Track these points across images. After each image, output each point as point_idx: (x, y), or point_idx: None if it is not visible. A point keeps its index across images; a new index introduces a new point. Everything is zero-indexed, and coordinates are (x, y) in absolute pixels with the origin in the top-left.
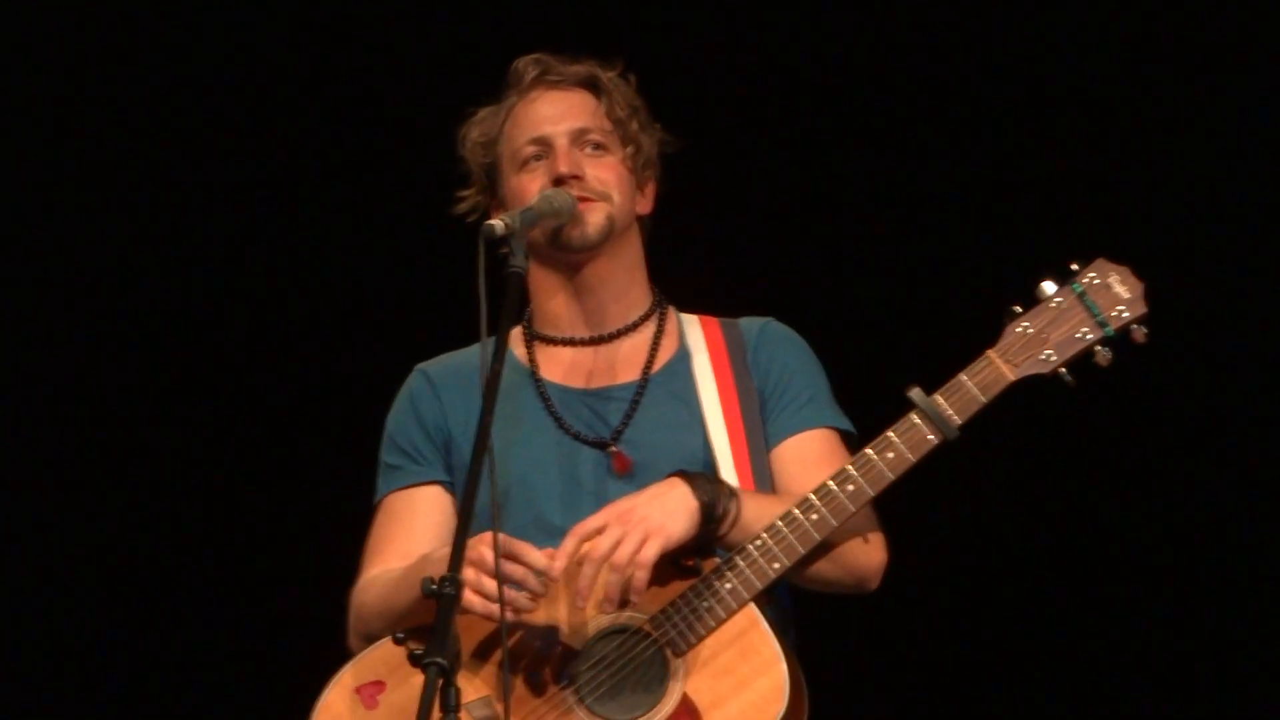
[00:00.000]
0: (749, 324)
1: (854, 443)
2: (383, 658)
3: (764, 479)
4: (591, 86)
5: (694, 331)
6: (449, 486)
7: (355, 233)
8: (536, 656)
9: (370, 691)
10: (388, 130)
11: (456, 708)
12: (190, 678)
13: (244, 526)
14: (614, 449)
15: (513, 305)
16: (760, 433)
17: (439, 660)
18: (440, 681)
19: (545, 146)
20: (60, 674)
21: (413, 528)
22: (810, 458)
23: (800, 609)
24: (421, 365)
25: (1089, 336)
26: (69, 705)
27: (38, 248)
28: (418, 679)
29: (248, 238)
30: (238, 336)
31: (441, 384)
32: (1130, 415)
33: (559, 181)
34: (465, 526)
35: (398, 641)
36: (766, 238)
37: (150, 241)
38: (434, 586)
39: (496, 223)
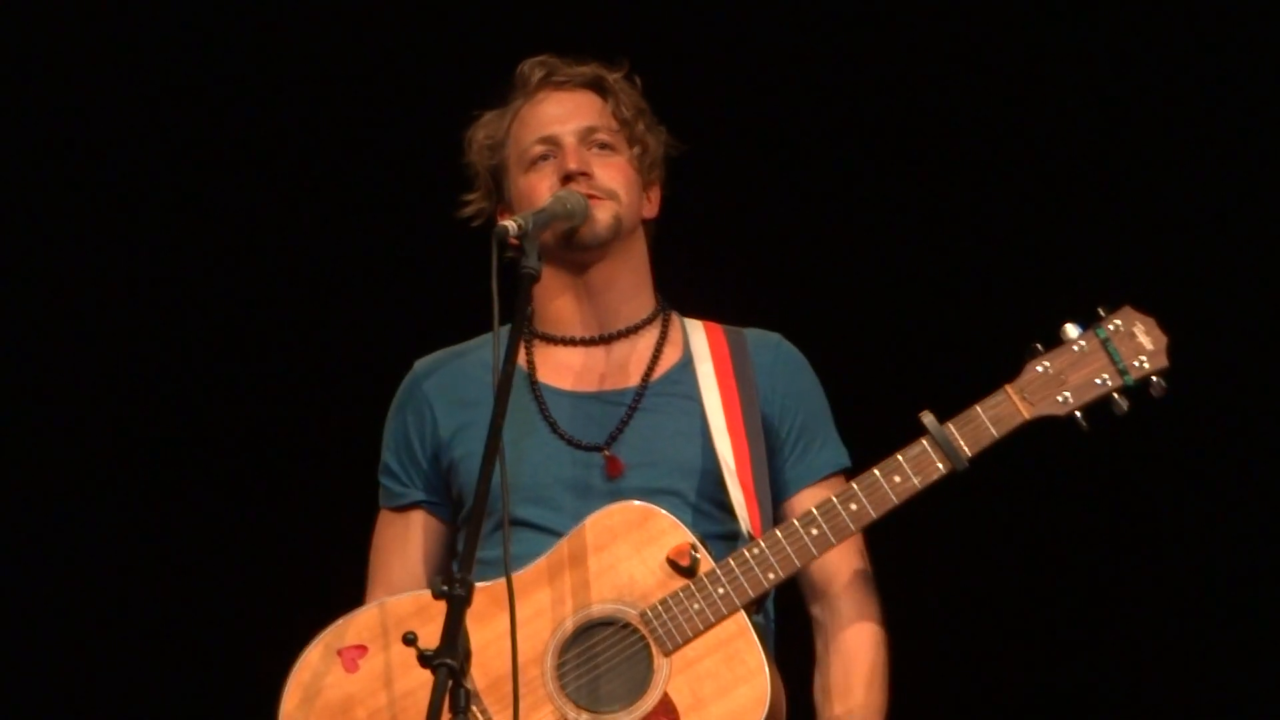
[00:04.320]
0: (758, 339)
1: (851, 475)
2: (368, 623)
3: (765, 490)
4: (597, 87)
5: (698, 339)
6: (431, 507)
7: (364, 234)
8: (521, 642)
9: (352, 654)
10: (396, 132)
11: (466, 709)
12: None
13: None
14: (608, 453)
15: (524, 307)
16: (761, 443)
17: (449, 661)
18: (450, 683)
19: (553, 146)
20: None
21: (404, 557)
22: None
23: (784, 619)
24: (419, 363)
25: (1108, 384)
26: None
27: (27, 248)
28: (401, 648)
29: (254, 239)
30: (238, 340)
31: (435, 386)
32: (1136, 457)
33: (568, 179)
34: (476, 531)
35: (407, 642)
36: (797, 252)
37: (152, 246)
38: (444, 588)
39: (510, 224)
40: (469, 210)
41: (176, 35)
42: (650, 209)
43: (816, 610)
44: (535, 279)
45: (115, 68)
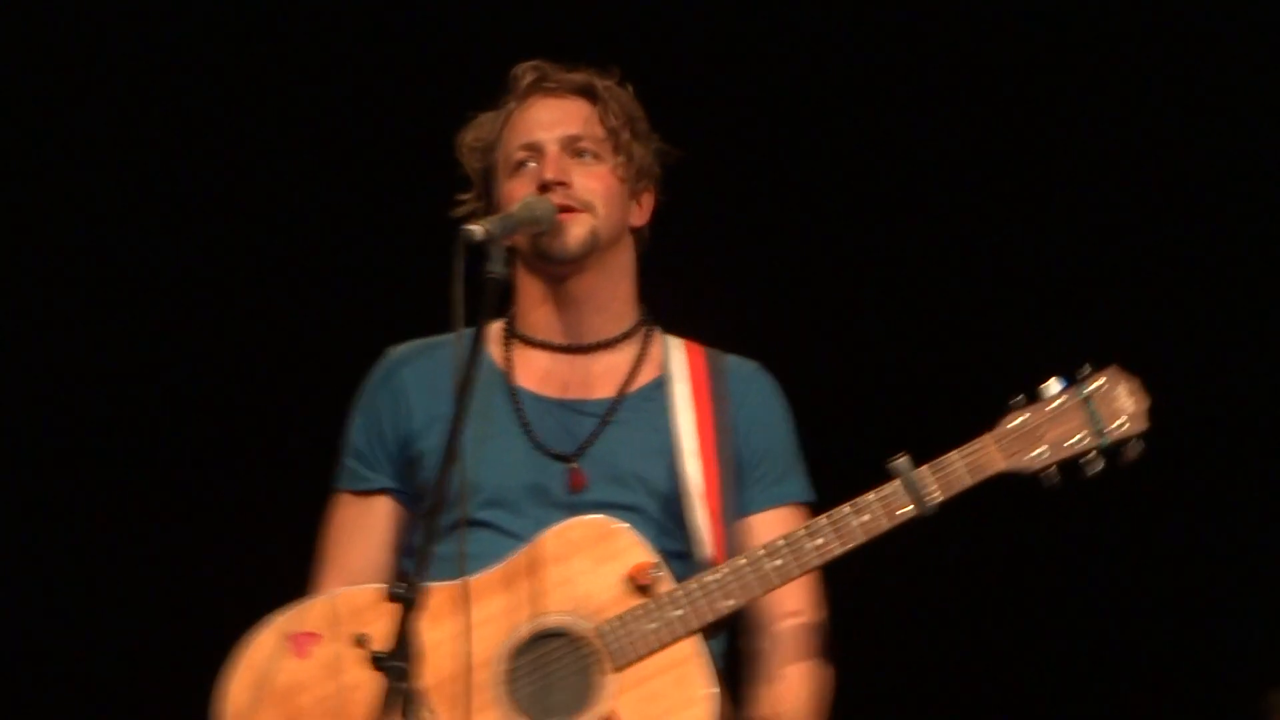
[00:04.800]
0: (738, 365)
1: (814, 512)
2: (323, 612)
3: (731, 517)
4: (588, 94)
5: (678, 356)
6: (398, 495)
7: (342, 231)
8: (475, 642)
9: (304, 641)
10: (380, 130)
11: (416, 710)
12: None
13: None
14: (573, 465)
15: (488, 312)
16: (733, 470)
17: (400, 664)
18: (403, 685)
19: (535, 152)
20: None
21: (365, 544)
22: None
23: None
24: (393, 350)
25: (1084, 443)
26: None
27: None
28: (353, 643)
29: (227, 235)
30: (214, 338)
31: (409, 374)
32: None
33: (544, 187)
34: (433, 528)
35: (359, 643)
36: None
37: (121, 241)
38: (398, 590)
39: (475, 228)
40: (463, 210)
41: (140, 31)
42: (640, 217)
43: (759, 641)
44: (499, 283)
45: (76, 60)
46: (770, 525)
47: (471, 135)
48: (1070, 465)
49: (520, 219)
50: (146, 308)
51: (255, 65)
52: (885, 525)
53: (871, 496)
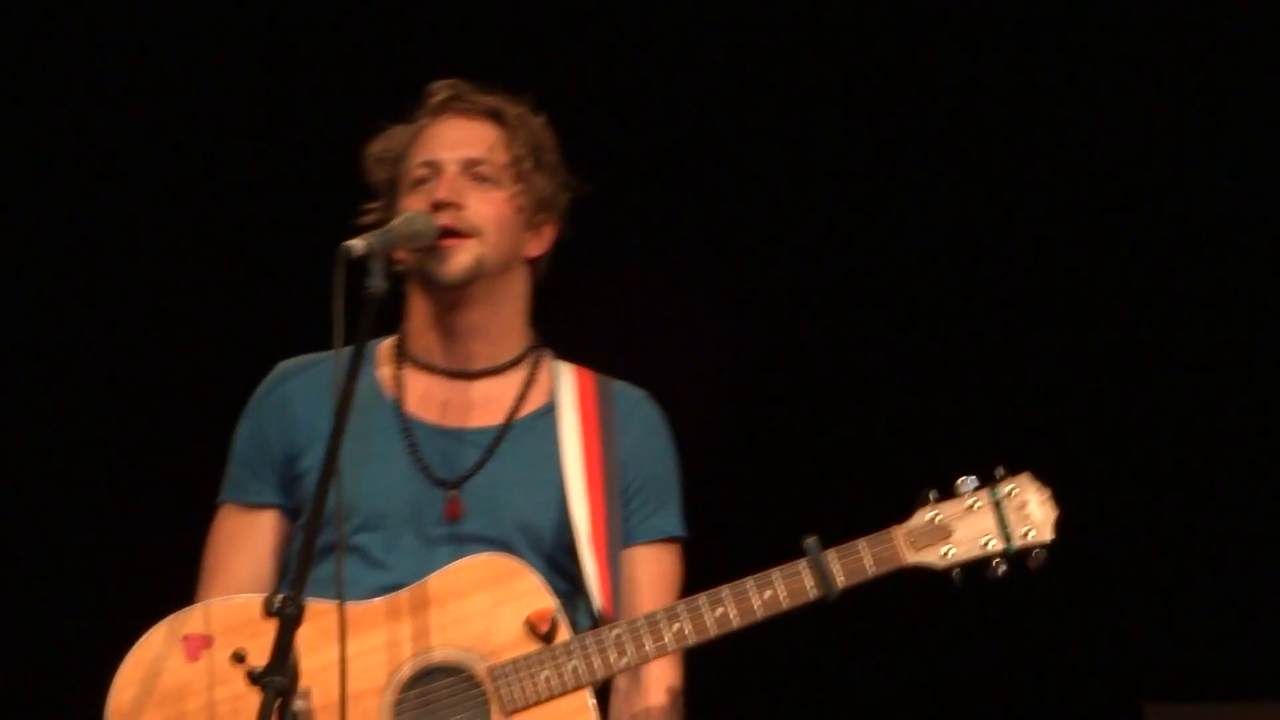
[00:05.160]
0: (624, 391)
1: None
2: (218, 615)
3: (617, 550)
4: (497, 119)
5: (567, 383)
6: (283, 510)
7: (237, 241)
8: (363, 672)
9: (196, 644)
10: (286, 143)
11: None
12: None
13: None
14: (452, 493)
15: (368, 329)
16: (618, 504)
17: (277, 679)
18: (278, 701)
19: (434, 170)
20: None
21: (251, 556)
22: (654, 571)
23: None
24: (283, 364)
25: (991, 546)
26: None
27: None
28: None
29: (108, 244)
30: (94, 352)
31: (296, 390)
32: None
33: (436, 207)
34: (310, 549)
35: (237, 659)
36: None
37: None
38: (276, 606)
39: (356, 243)
40: (369, 219)
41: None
42: (537, 248)
43: (633, 702)
44: (378, 299)
45: None
46: (641, 560)
47: (379, 146)
48: (976, 567)
49: (400, 234)
50: (20, 323)
51: (140, 71)
52: (784, 605)
53: (776, 572)
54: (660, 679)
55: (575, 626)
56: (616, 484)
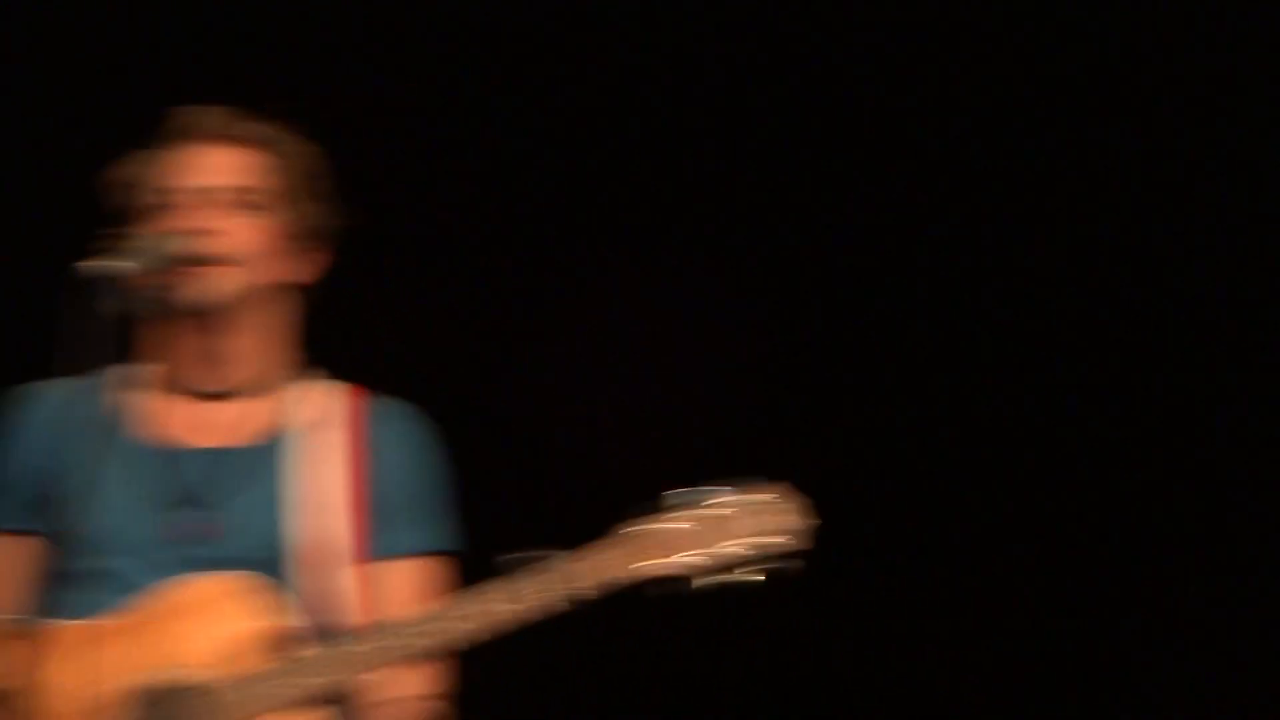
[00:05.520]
0: (386, 406)
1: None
2: None
3: (372, 566)
4: (260, 144)
5: (333, 403)
6: (40, 535)
7: None
8: (94, 690)
9: None
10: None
11: None
12: None
13: None
14: (209, 515)
15: (103, 350)
16: (375, 518)
17: (17, 699)
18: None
19: (190, 195)
20: None
21: (8, 583)
22: (405, 586)
23: None
24: (33, 386)
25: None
26: None
27: None
28: None
29: None
30: None
31: (44, 415)
32: None
33: (193, 233)
34: (53, 574)
35: None
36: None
37: None
38: (13, 623)
39: (89, 265)
40: (110, 244)
41: None
42: (301, 274)
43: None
44: (111, 324)
45: None
46: (394, 575)
47: (127, 170)
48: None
49: (140, 256)
50: None
51: None
52: (537, 610)
53: (526, 582)
54: (408, 687)
55: (332, 643)
56: (373, 500)
